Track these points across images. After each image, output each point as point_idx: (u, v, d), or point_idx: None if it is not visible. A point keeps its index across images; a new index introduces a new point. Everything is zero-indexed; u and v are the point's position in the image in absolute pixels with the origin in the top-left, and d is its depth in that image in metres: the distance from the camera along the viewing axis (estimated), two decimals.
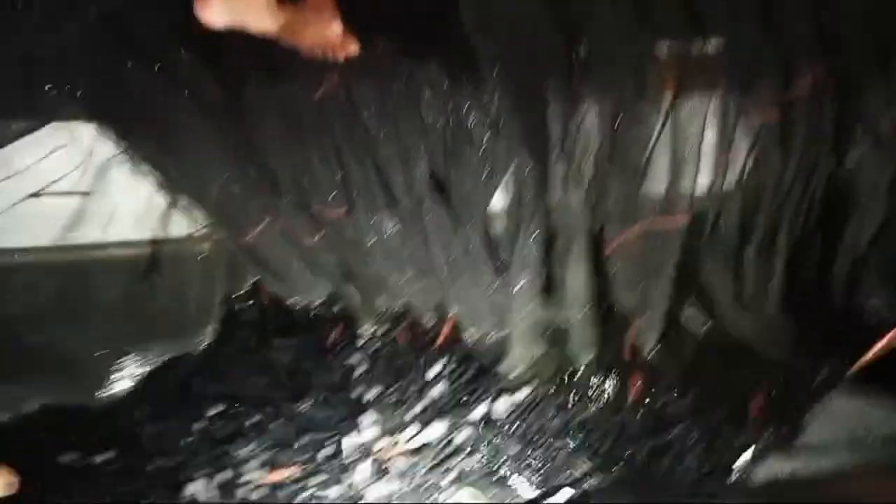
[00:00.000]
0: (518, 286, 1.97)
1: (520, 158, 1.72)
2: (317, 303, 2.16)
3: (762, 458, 2.03)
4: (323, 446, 2.08)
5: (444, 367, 2.19)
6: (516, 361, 2.17)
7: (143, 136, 1.58)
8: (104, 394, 1.91)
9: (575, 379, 2.20)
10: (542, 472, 2.06)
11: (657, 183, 1.86)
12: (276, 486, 2.05)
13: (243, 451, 2.05)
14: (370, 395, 2.18)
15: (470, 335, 2.20)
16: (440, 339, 2.26)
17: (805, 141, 1.75)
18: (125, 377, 1.94)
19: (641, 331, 2.07)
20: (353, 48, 1.58)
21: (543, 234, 1.89)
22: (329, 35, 1.57)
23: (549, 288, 2.03)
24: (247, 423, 2.11)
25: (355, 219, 1.83)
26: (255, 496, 1.99)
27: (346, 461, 2.10)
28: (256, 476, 2.03)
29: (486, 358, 2.23)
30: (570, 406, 2.21)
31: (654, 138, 1.76)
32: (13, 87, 1.45)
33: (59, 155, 1.64)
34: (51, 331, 1.83)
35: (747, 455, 2.09)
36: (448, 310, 2.19)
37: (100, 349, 1.90)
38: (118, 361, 1.93)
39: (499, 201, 1.88)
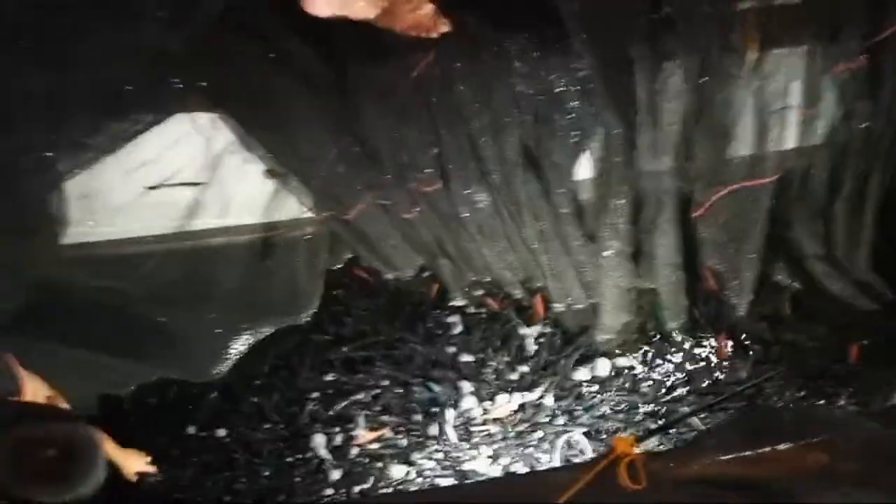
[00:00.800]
0: (607, 253, 2.02)
1: (607, 122, 1.77)
2: (410, 276, 2.26)
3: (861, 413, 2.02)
4: (424, 412, 2.17)
5: (538, 334, 2.25)
6: (606, 329, 2.21)
7: (260, 122, 1.71)
8: (220, 369, 2.04)
9: (666, 343, 2.23)
10: (639, 423, 2.09)
11: (744, 142, 1.88)
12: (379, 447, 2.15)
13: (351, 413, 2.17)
14: (466, 359, 2.26)
15: (560, 305, 2.25)
16: (534, 313, 2.32)
17: (894, 85, 1.74)
18: (238, 352, 2.07)
19: (734, 292, 2.08)
20: (445, 26, 1.68)
21: (632, 200, 1.94)
22: (422, 16, 1.67)
23: (639, 254, 2.07)
24: (355, 389, 2.22)
25: (450, 192, 1.91)
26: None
27: (446, 427, 2.19)
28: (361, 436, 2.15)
29: (577, 326, 2.28)
30: (662, 368, 2.24)
31: (739, 96, 1.79)
32: (144, 83, 1.59)
33: (181, 145, 1.77)
34: (174, 312, 1.97)
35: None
36: (536, 283, 2.25)
37: (218, 328, 2.03)
38: (234, 338, 2.06)
39: (587, 169, 1.94)
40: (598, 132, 1.82)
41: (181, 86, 1.61)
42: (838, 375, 2.09)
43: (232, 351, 2.07)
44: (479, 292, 2.25)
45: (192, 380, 2.10)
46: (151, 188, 1.87)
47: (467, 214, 1.99)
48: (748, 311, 2.08)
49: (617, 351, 2.22)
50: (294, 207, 1.95)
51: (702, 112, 1.79)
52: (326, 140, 1.74)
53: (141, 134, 1.67)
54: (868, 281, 2.00)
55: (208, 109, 1.69)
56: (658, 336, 2.21)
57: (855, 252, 1.97)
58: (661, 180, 1.91)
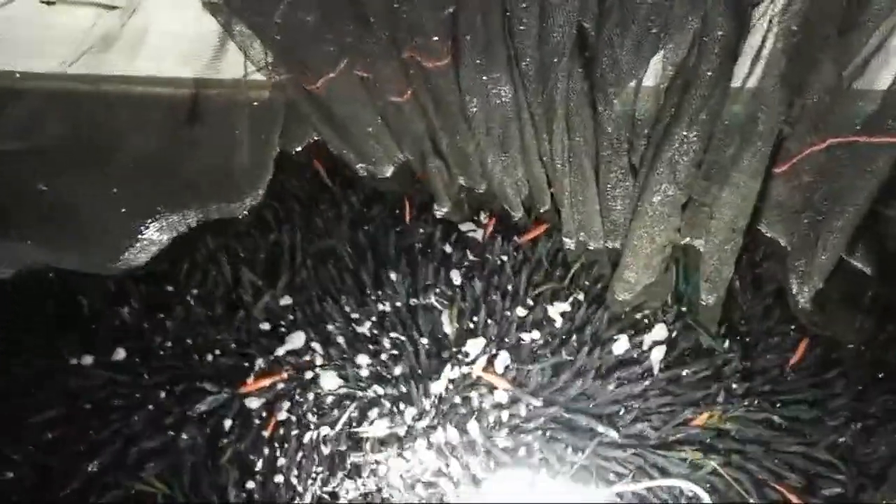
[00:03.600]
0: (654, 194, 1.52)
1: (706, 17, 1.21)
2: (387, 174, 1.76)
3: None
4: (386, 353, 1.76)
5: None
6: (622, 286, 1.76)
7: None
8: (123, 262, 1.57)
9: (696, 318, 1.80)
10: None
11: (879, 79, 1.33)
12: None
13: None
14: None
15: (569, 240, 1.78)
16: (526, 237, 1.86)
17: None
18: (152, 243, 1.59)
19: (799, 273, 1.61)
20: None
21: (706, 131, 1.41)
22: None
23: (694, 203, 1.58)
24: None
25: (460, 75, 1.36)
26: None
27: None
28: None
29: (585, 273, 1.83)
30: (685, 350, 1.82)
31: None
32: None
33: None
34: (63, 176, 1.48)
35: None
36: (542, 209, 1.78)
37: (123, 206, 1.54)
38: (144, 223, 1.57)
39: (656, 77, 1.39)
40: (688, 29, 1.26)
41: None
42: None
43: (146, 240, 1.58)
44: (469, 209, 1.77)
45: (92, 271, 1.63)
46: (46, 2, 1.33)
47: (478, 108, 1.45)
48: (811, 303, 1.62)
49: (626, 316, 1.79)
50: (240, 62, 1.40)
51: (849, 28, 1.22)
52: None
53: None
54: None
55: None
56: (686, 313, 1.77)
57: None
58: (752, 113, 1.37)
